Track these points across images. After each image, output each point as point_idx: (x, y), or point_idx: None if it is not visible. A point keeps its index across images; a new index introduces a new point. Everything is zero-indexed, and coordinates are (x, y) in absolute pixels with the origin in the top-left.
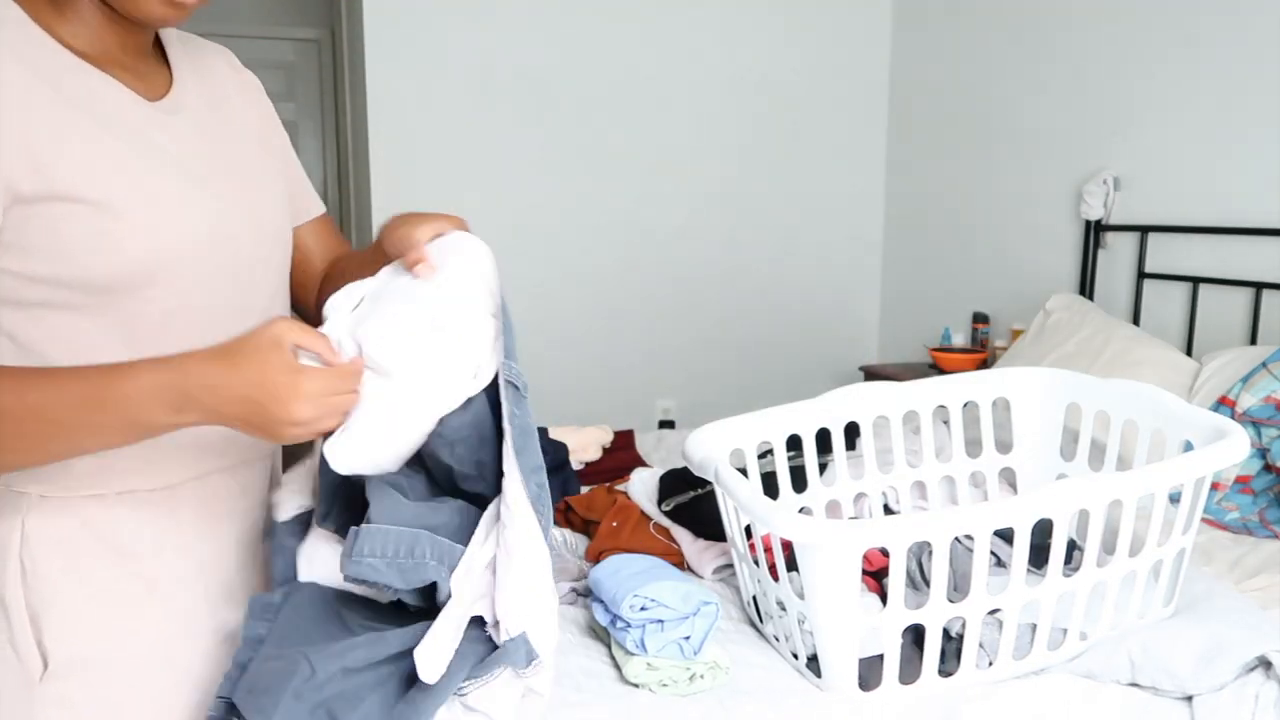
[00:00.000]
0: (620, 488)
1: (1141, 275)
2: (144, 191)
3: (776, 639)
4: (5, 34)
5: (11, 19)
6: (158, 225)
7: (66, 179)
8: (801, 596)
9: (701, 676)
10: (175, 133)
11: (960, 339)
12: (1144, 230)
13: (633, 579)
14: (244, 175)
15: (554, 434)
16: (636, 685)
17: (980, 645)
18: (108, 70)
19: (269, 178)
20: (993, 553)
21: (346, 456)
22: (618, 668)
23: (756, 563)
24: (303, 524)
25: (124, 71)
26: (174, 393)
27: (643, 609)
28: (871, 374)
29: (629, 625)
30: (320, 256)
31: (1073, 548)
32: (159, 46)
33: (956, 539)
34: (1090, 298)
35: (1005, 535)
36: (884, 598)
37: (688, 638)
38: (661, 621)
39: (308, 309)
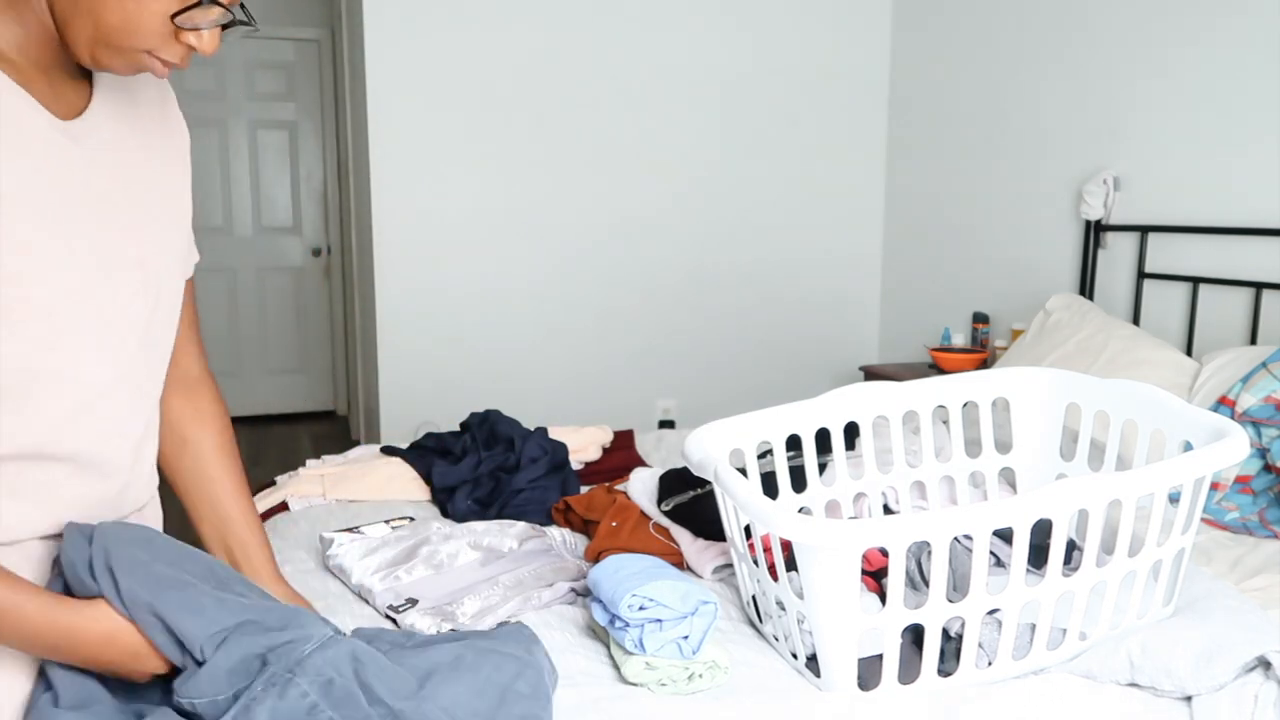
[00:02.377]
0: (620, 488)
1: (1141, 275)
2: (43, 226)
3: (776, 639)
4: None
5: None
6: (36, 268)
7: None
8: (801, 596)
9: (700, 676)
10: (80, 159)
11: (960, 339)
12: (1144, 230)
13: (631, 579)
14: (143, 217)
15: (554, 434)
16: (635, 685)
17: (979, 645)
18: (23, 78)
19: (169, 223)
20: (992, 553)
21: None
22: (616, 668)
23: (756, 563)
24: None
25: (40, 81)
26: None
27: (641, 609)
28: (871, 374)
29: (627, 625)
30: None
31: (1072, 548)
32: None
33: (956, 539)
34: (1090, 298)
35: (1005, 535)
36: (883, 597)
37: (686, 637)
38: (660, 621)
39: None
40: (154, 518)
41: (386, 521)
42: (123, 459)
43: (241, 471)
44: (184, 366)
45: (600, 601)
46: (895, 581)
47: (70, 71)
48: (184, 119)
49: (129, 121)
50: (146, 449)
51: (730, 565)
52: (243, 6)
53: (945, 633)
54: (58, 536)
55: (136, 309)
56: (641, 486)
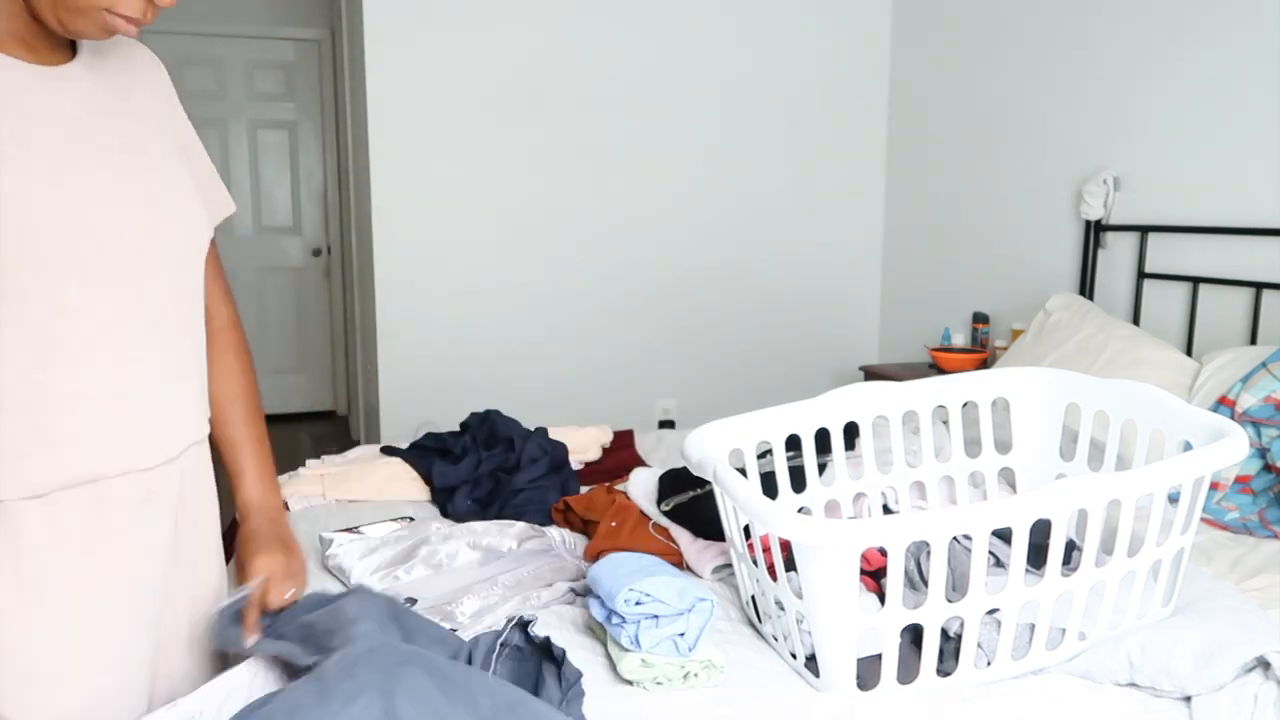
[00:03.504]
0: (620, 488)
1: (1141, 275)
2: (22, 177)
3: (775, 639)
4: None
5: None
6: (37, 219)
7: None
8: (800, 596)
9: (696, 675)
10: (66, 98)
11: (960, 339)
12: (1144, 230)
13: (630, 575)
14: (143, 164)
15: (554, 434)
16: (631, 683)
17: (979, 645)
18: (3, 47)
19: (172, 173)
20: (991, 553)
21: None
22: (614, 667)
23: (755, 562)
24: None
25: (18, 48)
26: None
27: (638, 603)
28: (871, 374)
29: (624, 620)
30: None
31: (1071, 548)
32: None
33: (955, 539)
34: (1090, 298)
35: (1004, 535)
36: (882, 597)
37: (682, 634)
38: (656, 617)
39: None
40: (197, 467)
41: (386, 521)
42: (148, 399)
43: (262, 422)
44: (215, 317)
45: (598, 598)
46: (894, 581)
47: (51, 44)
48: (169, 80)
49: (112, 75)
50: (184, 391)
51: (730, 565)
52: None
53: (944, 633)
54: (83, 486)
55: (150, 245)
56: (641, 486)
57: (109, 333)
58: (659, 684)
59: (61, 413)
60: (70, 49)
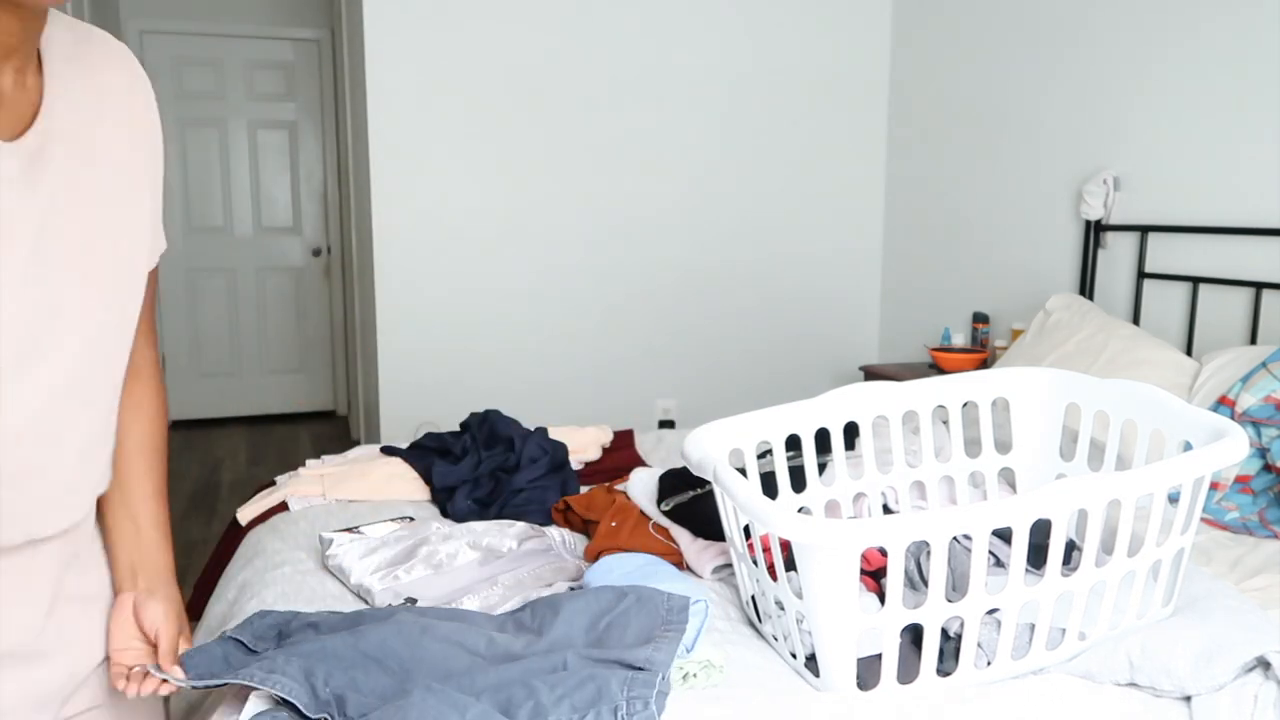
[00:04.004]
0: (619, 487)
1: (1141, 275)
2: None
3: (775, 639)
4: None
5: None
6: (30, 284)
7: None
8: (800, 596)
9: (695, 675)
10: (17, 192)
11: (960, 339)
12: (1144, 230)
13: (622, 578)
14: (102, 234)
15: (554, 434)
16: None
17: (979, 645)
18: None
19: (131, 226)
20: (991, 552)
21: None
22: None
23: (755, 562)
24: None
25: None
26: None
27: None
28: (871, 374)
29: None
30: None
31: (1071, 547)
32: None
33: (955, 539)
34: (1090, 298)
35: (1004, 535)
36: (882, 597)
37: None
38: None
39: None
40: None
41: (386, 521)
42: (58, 475)
43: (163, 473)
44: (131, 360)
45: None
46: (894, 581)
47: (18, 73)
48: (156, 112)
49: (83, 127)
50: (89, 464)
51: (730, 565)
52: None
53: (944, 632)
54: None
55: (82, 328)
56: (641, 486)
57: (41, 409)
58: None
59: None
60: (38, 74)
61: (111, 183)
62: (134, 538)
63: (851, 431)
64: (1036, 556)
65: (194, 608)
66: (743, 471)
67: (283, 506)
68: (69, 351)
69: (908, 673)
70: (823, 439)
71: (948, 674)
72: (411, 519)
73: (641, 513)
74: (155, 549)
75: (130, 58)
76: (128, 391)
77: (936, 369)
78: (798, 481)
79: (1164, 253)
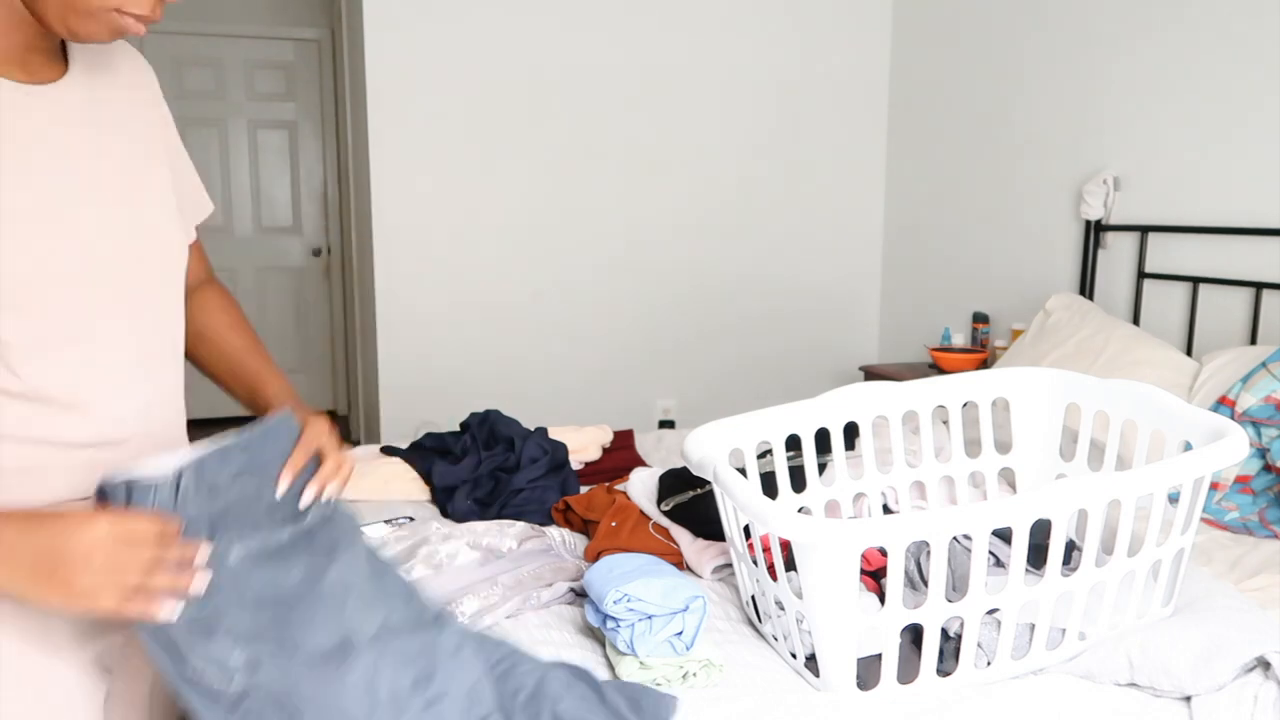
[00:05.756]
0: (619, 487)
1: (1141, 275)
2: (25, 194)
3: (775, 639)
4: None
5: None
6: (37, 234)
7: None
8: (800, 596)
9: (695, 675)
10: (54, 117)
11: (960, 339)
12: (1144, 230)
13: (621, 577)
14: (133, 182)
15: (554, 434)
16: None
17: (979, 645)
18: None
19: (159, 187)
20: (991, 553)
21: None
22: (613, 667)
23: (755, 562)
24: None
25: (10, 65)
26: None
27: (629, 607)
28: (871, 374)
29: (618, 624)
30: (195, 265)
31: (1071, 548)
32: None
33: (955, 539)
34: (1090, 298)
35: (1004, 535)
36: (882, 597)
37: (679, 633)
38: (650, 618)
39: None
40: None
41: (386, 521)
42: (126, 415)
43: (256, 339)
44: (188, 281)
45: (593, 602)
46: (894, 581)
47: (45, 55)
48: (157, 84)
49: (102, 87)
50: (159, 411)
51: (730, 565)
52: None
53: (944, 632)
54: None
55: (131, 249)
56: (641, 486)
57: (90, 332)
58: (658, 685)
59: (32, 415)
60: (62, 62)
61: (129, 145)
62: (263, 386)
63: (851, 432)
64: (1036, 556)
65: None
66: (743, 471)
67: None
68: (129, 268)
69: (908, 673)
70: (823, 439)
71: (948, 674)
72: (412, 519)
73: (641, 513)
74: (272, 384)
75: (126, 47)
76: (198, 303)
77: (936, 369)
78: (798, 481)
79: (1164, 253)
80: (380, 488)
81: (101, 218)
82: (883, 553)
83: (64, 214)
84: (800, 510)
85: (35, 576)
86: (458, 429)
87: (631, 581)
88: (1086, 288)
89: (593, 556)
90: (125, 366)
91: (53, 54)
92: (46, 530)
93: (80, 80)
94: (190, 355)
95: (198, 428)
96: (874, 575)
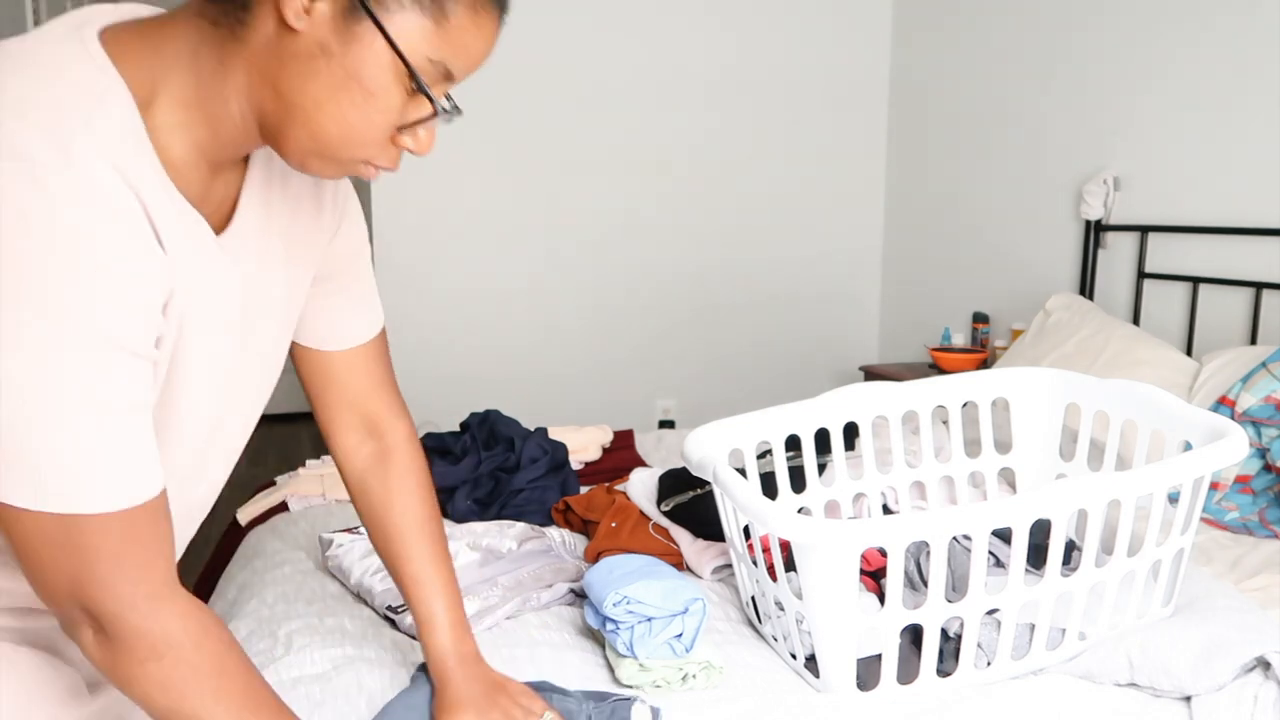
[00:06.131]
0: (619, 488)
1: (1141, 275)
2: (195, 341)
3: (775, 639)
4: (141, 183)
5: (135, 143)
6: (190, 378)
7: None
8: (800, 596)
9: (694, 677)
10: (230, 271)
11: (960, 339)
12: (1144, 230)
13: (621, 579)
14: (278, 315)
15: (554, 434)
16: (630, 687)
17: (979, 645)
18: (184, 181)
19: (292, 309)
20: (991, 553)
21: None
22: (612, 670)
23: (755, 563)
24: None
25: (199, 182)
26: None
27: (628, 610)
28: (871, 374)
29: (617, 626)
30: (360, 379)
31: (1071, 548)
32: None
33: (955, 539)
34: (1090, 298)
35: (1004, 535)
36: (882, 597)
37: (679, 636)
38: (650, 620)
39: (323, 425)
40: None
41: None
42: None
43: (443, 543)
44: (385, 430)
45: (593, 604)
46: (894, 581)
47: (230, 166)
48: (350, 197)
49: (275, 218)
50: (199, 512)
51: (730, 565)
52: (448, 97)
53: (944, 633)
54: None
55: (261, 385)
56: (641, 487)
57: (179, 429)
58: (658, 687)
59: None
60: (240, 168)
61: (286, 270)
62: (431, 628)
63: (851, 432)
64: (1036, 556)
65: None
66: (743, 472)
67: (283, 507)
68: (250, 404)
69: (908, 673)
70: (822, 439)
71: (948, 674)
72: None
73: (641, 513)
74: (455, 637)
75: None
76: (395, 470)
77: (936, 369)
78: (798, 482)
79: (1164, 253)
80: None
81: (235, 344)
82: (883, 553)
83: (214, 348)
84: (800, 510)
85: None
86: (458, 429)
87: (631, 584)
88: (1086, 288)
89: (593, 557)
90: (189, 467)
91: (235, 167)
92: None
93: (252, 214)
94: (369, 529)
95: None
96: (874, 575)
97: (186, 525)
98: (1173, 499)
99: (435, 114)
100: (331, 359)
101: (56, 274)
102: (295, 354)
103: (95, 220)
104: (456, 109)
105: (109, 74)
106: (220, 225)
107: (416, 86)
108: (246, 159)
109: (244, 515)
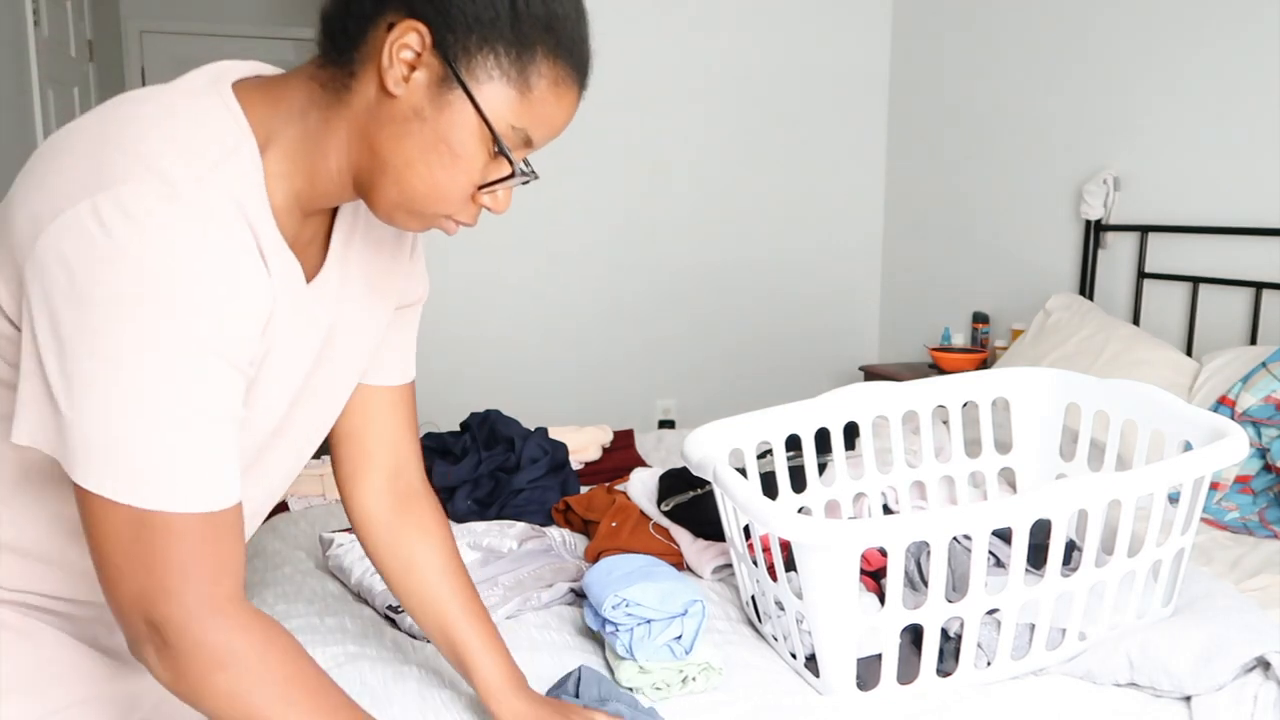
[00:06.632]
0: (620, 488)
1: (1141, 275)
2: (270, 374)
3: (775, 639)
4: (257, 221)
5: (256, 188)
6: (258, 402)
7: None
8: (800, 596)
9: (694, 679)
10: (315, 311)
11: (960, 339)
12: (1144, 230)
13: (619, 580)
14: (353, 352)
15: (554, 434)
16: (630, 689)
17: (979, 645)
18: (282, 226)
19: (363, 351)
20: (991, 553)
21: None
22: (612, 671)
23: (755, 563)
24: None
25: (293, 229)
26: None
27: (627, 612)
28: (871, 374)
29: (617, 628)
30: (392, 419)
31: (1071, 548)
32: None
33: (955, 539)
34: (1090, 298)
35: (1004, 535)
36: (882, 597)
37: (679, 638)
38: (649, 622)
39: (341, 483)
40: None
41: None
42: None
43: (470, 586)
44: (405, 479)
45: (592, 606)
46: (894, 581)
47: (317, 215)
48: (419, 257)
49: (357, 263)
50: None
51: (730, 565)
52: (526, 162)
53: (944, 633)
54: None
55: (307, 441)
56: (641, 486)
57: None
58: (658, 689)
59: None
60: (329, 218)
61: (367, 313)
62: (465, 657)
63: (851, 432)
64: (1036, 556)
65: None
66: (743, 472)
67: (283, 507)
68: (308, 440)
69: (908, 673)
70: (823, 439)
71: (948, 674)
72: None
73: (641, 513)
74: (490, 661)
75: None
76: (415, 518)
77: (936, 369)
78: (798, 482)
79: (1164, 253)
80: None
81: (302, 376)
82: (883, 553)
83: (286, 380)
84: (800, 510)
85: None
86: (458, 429)
87: (630, 586)
88: (1086, 288)
89: (593, 557)
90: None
91: (322, 220)
92: None
93: (336, 267)
94: (390, 581)
95: None
96: (874, 575)
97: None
98: (1173, 499)
99: (513, 175)
100: (371, 395)
101: (175, 277)
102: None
103: (216, 235)
104: (534, 173)
105: (241, 126)
106: (307, 270)
107: (499, 150)
108: (332, 212)
109: None
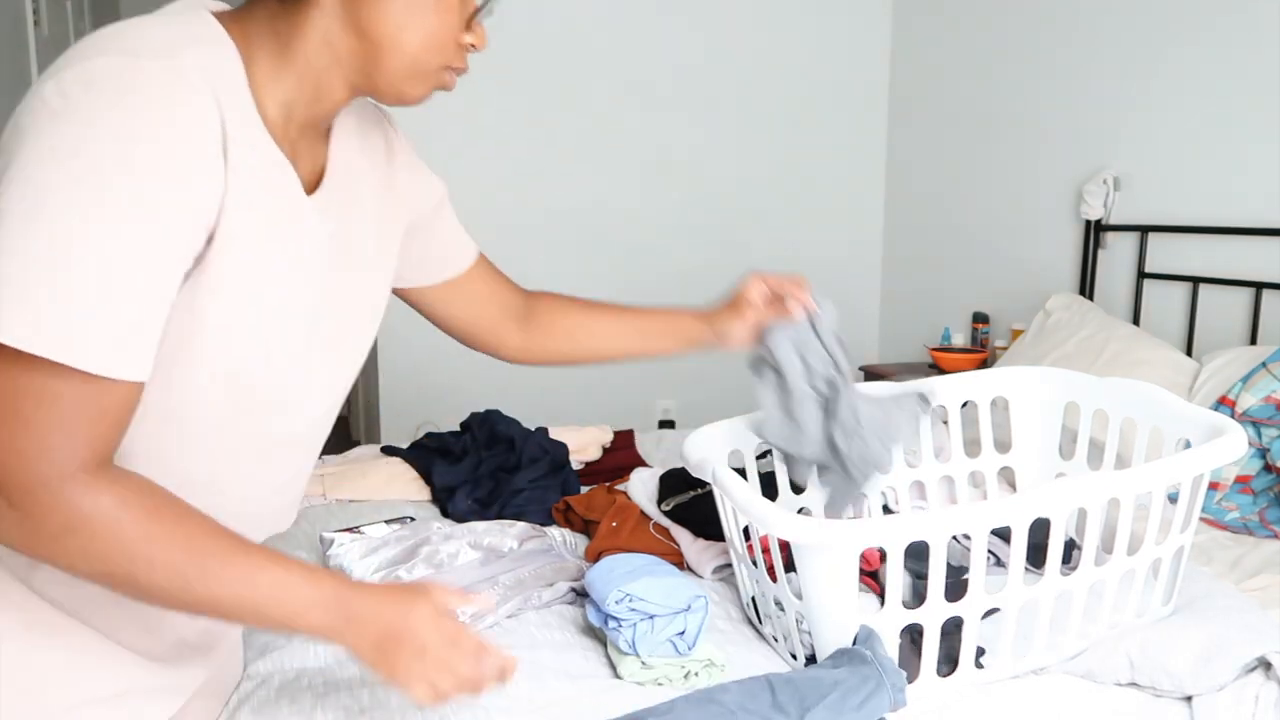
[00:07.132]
0: (620, 488)
1: (1141, 275)
2: (273, 291)
3: (775, 639)
4: (231, 111)
5: (236, 82)
6: (277, 332)
7: (225, 266)
8: (799, 597)
9: (696, 675)
10: (319, 233)
11: (960, 339)
12: (1144, 230)
13: (622, 577)
14: (365, 265)
15: (554, 434)
16: (634, 685)
17: (978, 645)
18: (281, 139)
19: (386, 263)
20: (991, 552)
21: None
22: (614, 667)
23: (755, 563)
24: None
25: (291, 143)
26: (329, 613)
27: (631, 608)
28: (871, 374)
29: (620, 624)
30: (490, 298)
31: (1071, 547)
32: None
33: (954, 538)
34: (1090, 298)
35: (1003, 534)
36: (882, 598)
37: (681, 633)
38: (653, 618)
39: (484, 349)
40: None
41: (387, 521)
42: (297, 437)
43: (611, 304)
44: (520, 307)
45: (594, 602)
46: (894, 581)
47: (318, 129)
48: (413, 155)
49: (360, 182)
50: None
51: (730, 565)
52: None
53: (944, 633)
54: None
55: (330, 364)
56: (641, 486)
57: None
58: (660, 685)
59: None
60: (326, 136)
61: (368, 226)
62: (650, 337)
63: None
64: (1036, 556)
65: None
66: (742, 473)
67: None
68: (353, 349)
69: (907, 673)
70: None
71: (947, 674)
72: (412, 519)
73: (642, 513)
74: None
75: (384, 117)
76: (540, 313)
77: (936, 369)
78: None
79: (1164, 253)
80: (380, 488)
81: (316, 297)
82: (883, 553)
83: (296, 298)
84: (800, 511)
85: (375, 650)
86: (458, 429)
87: (633, 581)
88: (1086, 288)
89: (593, 556)
90: (280, 404)
91: (322, 132)
92: (394, 611)
93: (339, 176)
94: (574, 359)
95: None
96: (874, 575)
97: (297, 451)
98: (1172, 498)
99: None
100: (454, 288)
101: (126, 128)
102: (440, 300)
103: (178, 111)
104: None
105: (224, 37)
106: (309, 189)
107: None
108: (327, 135)
109: None
